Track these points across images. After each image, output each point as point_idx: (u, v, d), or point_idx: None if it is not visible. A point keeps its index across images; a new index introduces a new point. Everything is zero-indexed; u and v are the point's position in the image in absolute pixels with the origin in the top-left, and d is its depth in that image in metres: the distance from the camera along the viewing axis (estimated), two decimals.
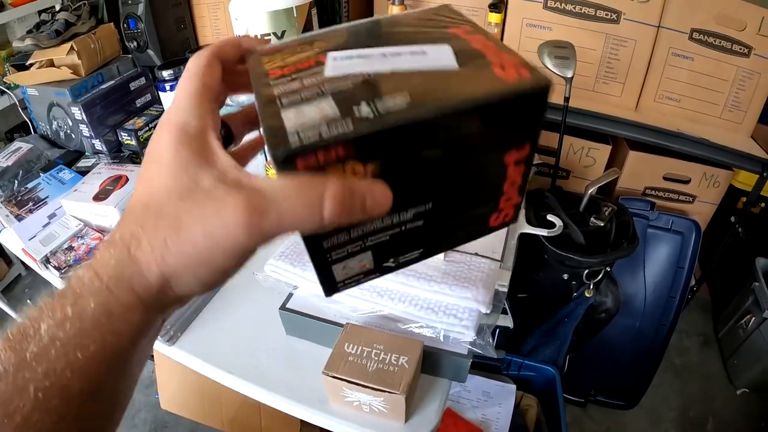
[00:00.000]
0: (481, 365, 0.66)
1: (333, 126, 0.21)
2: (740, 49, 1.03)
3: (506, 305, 0.69)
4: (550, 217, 0.73)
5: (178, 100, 0.25)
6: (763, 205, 1.68)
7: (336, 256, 0.25)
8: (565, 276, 0.82)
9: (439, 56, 0.25)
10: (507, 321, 0.75)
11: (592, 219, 0.80)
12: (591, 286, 0.80)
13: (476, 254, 0.66)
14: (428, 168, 0.24)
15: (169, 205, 0.21)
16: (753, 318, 1.51)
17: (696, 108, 1.11)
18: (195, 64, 0.26)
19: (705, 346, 1.70)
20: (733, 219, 1.59)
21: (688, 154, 1.06)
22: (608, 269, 0.82)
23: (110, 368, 0.22)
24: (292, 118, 0.21)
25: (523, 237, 0.73)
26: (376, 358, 0.59)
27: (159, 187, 0.22)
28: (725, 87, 1.08)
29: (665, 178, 1.17)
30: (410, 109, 0.21)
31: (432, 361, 0.63)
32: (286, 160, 0.20)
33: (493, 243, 0.68)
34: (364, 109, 0.21)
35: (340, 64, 0.25)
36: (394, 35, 0.28)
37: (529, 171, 0.27)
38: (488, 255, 0.66)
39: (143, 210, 0.22)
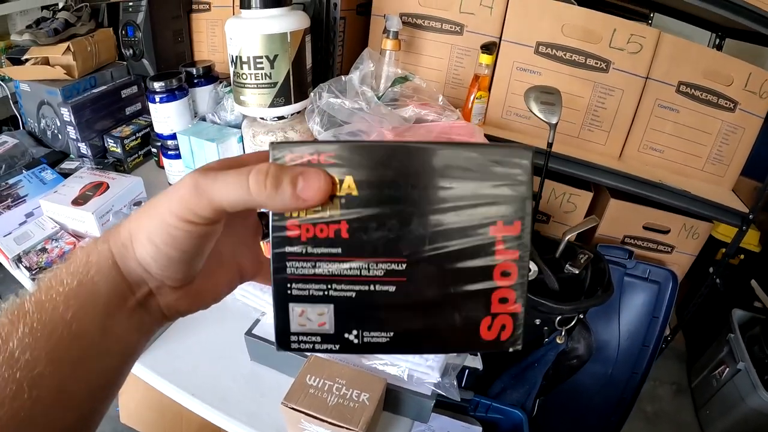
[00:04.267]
0: (448, 404, 0.65)
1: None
2: (726, 103, 1.06)
3: None
4: None
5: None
6: (741, 256, 1.71)
7: (296, 291, 0.25)
8: (537, 321, 0.81)
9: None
10: (476, 362, 0.75)
11: (567, 266, 0.80)
12: (563, 333, 0.80)
13: None
14: (400, 210, 0.24)
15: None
16: (727, 369, 1.52)
17: (679, 160, 1.13)
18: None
19: (678, 395, 1.70)
20: (711, 270, 1.61)
21: (669, 205, 1.08)
22: (581, 316, 0.82)
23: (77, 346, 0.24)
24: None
25: None
26: (337, 393, 0.59)
27: None
28: (709, 140, 1.10)
29: (645, 228, 1.18)
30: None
31: (394, 399, 0.62)
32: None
33: None
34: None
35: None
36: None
37: (526, 269, 0.25)
38: None
39: None
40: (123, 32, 1.22)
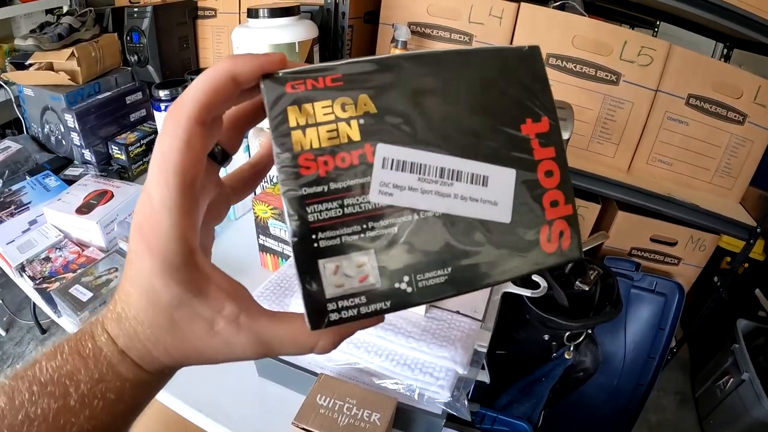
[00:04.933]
0: (453, 417, 0.64)
1: (372, 302, 0.21)
2: (735, 116, 1.05)
3: (484, 361, 0.67)
4: (534, 278, 0.72)
5: (152, 211, 0.20)
6: (746, 265, 1.70)
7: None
8: (546, 336, 0.81)
9: (497, 196, 0.23)
10: (483, 376, 0.74)
11: (577, 283, 0.79)
12: (571, 348, 0.79)
13: (458, 312, 0.65)
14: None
15: (169, 326, 0.22)
16: (731, 379, 1.51)
17: (687, 172, 1.12)
18: (169, 146, 0.20)
19: (682, 405, 1.69)
20: (716, 279, 1.60)
21: (677, 218, 1.07)
22: (590, 331, 0.82)
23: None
24: (329, 274, 0.20)
25: (506, 296, 0.72)
26: (348, 413, 0.58)
27: (147, 302, 0.22)
28: (718, 153, 1.09)
29: (652, 240, 1.18)
30: (445, 287, 0.22)
31: (405, 418, 0.62)
32: (317, 326, 0.21)
33: (476, 301, 0.67)
34: (404, 284, 0.21)
35: (389, 181, 0.21)
36: (460, 105, 0.22)
37: (566, 168, 0.24)
38: (469, 314, 0.65)
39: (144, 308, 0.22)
40: (128, 38, 1.21)
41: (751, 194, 1.17)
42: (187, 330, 0.22)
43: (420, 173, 0.21)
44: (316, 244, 0.20)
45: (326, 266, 0.20)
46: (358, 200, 0.20)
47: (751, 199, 1.15)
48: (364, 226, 0.20)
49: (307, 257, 0.20)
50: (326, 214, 0.20)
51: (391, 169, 0.21)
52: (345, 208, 0.20)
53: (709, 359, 1.69)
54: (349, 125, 0.20)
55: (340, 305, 0.21)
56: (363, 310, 0.21)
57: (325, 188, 0.20)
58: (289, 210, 0.20)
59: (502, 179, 0.23)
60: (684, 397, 1.71)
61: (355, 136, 0.20)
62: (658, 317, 1.17)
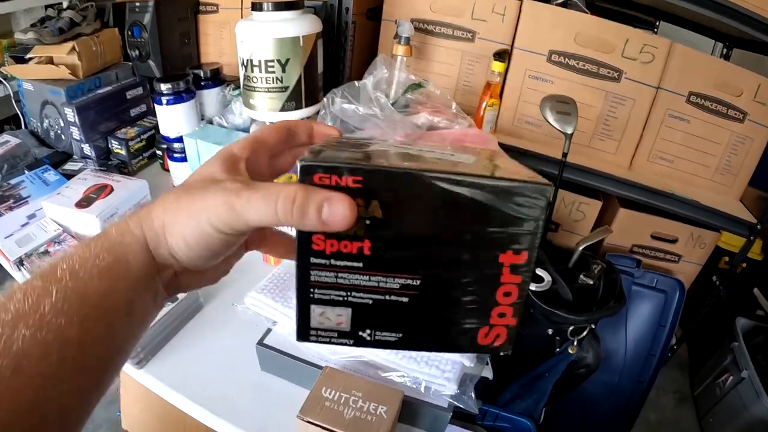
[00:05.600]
0: (456, 413, 0.64)
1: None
2: (735, 114, 1.06)
3: (488, 357, 0.67)
4: (538, 272, 0.72)
5: (243, 138, 0.31)
6: (744, 264, 1.71)
7: (318, 295, 0.27)
8: (550, 331, 0.81)
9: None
10: (487, 372, 0.74)
11: (581, 276, 0.79)
12: (575, 343, 0.79)
13: None
14: (421, 234, 0.26)
15: (193, 184, 0.28)
16: (731, 377, 1.51)
17: (688, 169, 1.13)
18: (269, 126, 0.33)
19: (681, 404, 1.70)
20: (715, 278, 1.61)
21: (677, 214, 1.07)
22: (593, 326, 0.82)
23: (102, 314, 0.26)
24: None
25: None
26: (353, 406, 0.57)
27: (196, 176, 0.29)
28: (718, 150, 1.10)
29: (653, 237, 1.18)
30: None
31: (410, 411, 0.61)
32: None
33: None
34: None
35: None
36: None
37: (525, 290, 0.28)
38: None
39: (177, 188, 0.29)
40: (129, 33, 1.21)
41: (749, 194, 1.17)
42: (203, 185, 0.28)
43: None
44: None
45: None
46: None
47: (749, 200, 1.16)
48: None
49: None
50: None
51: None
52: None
53: (708, 358, 1.70)
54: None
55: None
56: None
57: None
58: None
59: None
60: (683, 396, 1.72)
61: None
62: (658, 314, 1.17)
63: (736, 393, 1.47)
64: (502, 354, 0.29)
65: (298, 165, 0.25)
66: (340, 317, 0.28)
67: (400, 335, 0.28)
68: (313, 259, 0.26)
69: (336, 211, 0.24)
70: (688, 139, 1.10)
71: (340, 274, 0.27)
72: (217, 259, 0.29)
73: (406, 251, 0.27)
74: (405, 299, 0.28)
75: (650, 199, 1.04)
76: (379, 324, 0.28)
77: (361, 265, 0.27)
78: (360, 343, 0.29)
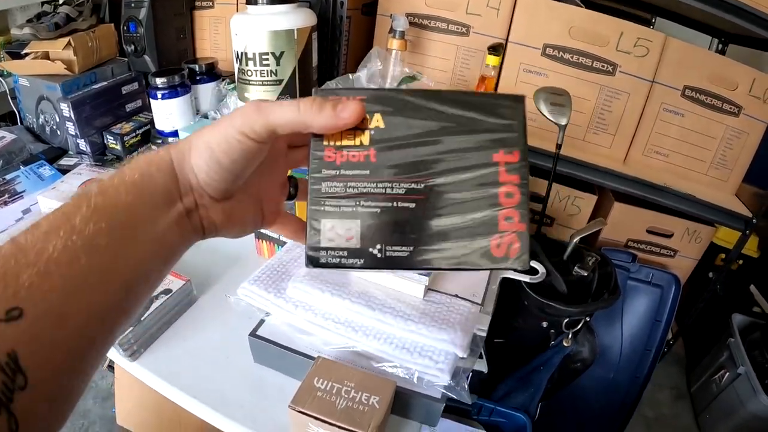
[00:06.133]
0: (451, 408, 0.64)
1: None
2: (730, 108, 1.06)
3: (482, 350, 0.67)
4: (533, 264, 0.72)
5: (268, 103, 0.31)
6: (740, 261, 1.71)
7: (329, 207, 0.29)
8: (544, 324, 0.81)
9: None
10: (481, 365, 0.74)
11: (575, 268, 0.79)
12: (570, 336, 0.79)
13: (456, 296, 0.65)
14: (419, 140, 0.29)
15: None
16: (727, 373, 1.51)
17: (683, 164, 1.12)
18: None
19: (677, 400, 1.70)
20: (711, 275, 1.61)
21: (673, 208, 1.07)
22: (587, 319, 0.82)
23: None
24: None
25: (505, 282, 0.72)
26: (346, 396, 0.57)
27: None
28: (713, 145, 1.10)
29: (648, 231, 1.18)
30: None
31: (403, 402, 0.61)
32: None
33: (475, 286, 0.67)
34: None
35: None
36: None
37: (526, 193, 0.29)
38: (468, 298, 0.65)
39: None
40: (125, 28, 1.20)
41: (745, 191, 1.17)
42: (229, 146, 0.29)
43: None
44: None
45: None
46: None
47: (745, 196, 1.16)
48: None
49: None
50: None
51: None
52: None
53: (704, 355, 1.70)
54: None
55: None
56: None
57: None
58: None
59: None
60: (680, 392, 1.72)
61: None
62: (654, 309, 1.17)
63: (732, 389, 1.47)
64: (519, 268, 0.29)
65: (314, 92, 0.29)
66: (349, 231, 0.29)
67: (411, 248, 0.29)
68: (324, 171, 0.29)
69: (347, 106, 0.28)
70: (683, 133, 1.10)
71: (349, 184, 0.29)
72: (235, 177, 0.30)
73: (408, 156, 0.29)
74: (412, 204, 0.29)
75: (646, 193, 1.04)
76: (388, 237, 0.29)
77: (368, 172, 0.29)
78: (371, 262, 0.29)
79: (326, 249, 0.29)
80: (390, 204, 0.28)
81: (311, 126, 0.28)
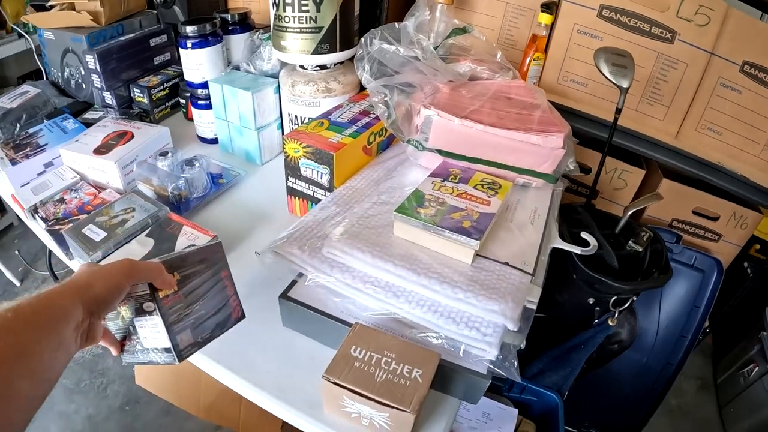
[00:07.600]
0: None
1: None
2: None
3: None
4: (584, 235, 0.67)
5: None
6: None
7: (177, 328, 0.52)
8: (591, 300, 0.76)
9: None
10: (518, 339, 0.70)
11: (630, 243, 0.74)
12: (616, 314, 0.75)
13: (507, 264, 0.60)
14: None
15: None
16: (756, 368, 1.46)
17: (736, 143, 1.05)
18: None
19: (702, 390, 1.66)
20: (746, 265, 1.55)
21: (723, 189, 1.01)
22: (634, 298, 0.77)
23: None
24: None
25: (552, 254, 0.67)
26: (386, 368, 0.52)
27: None
28: None
29: (694, 213, 1.12)
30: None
31: (445, 377, 0.56)
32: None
33: (525, 253, 0.62)
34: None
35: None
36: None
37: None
38: (519, 266, 0.60)
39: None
40: None
41: None
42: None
43: None
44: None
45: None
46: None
47: None
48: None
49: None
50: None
51: None
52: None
53: (733, 346, 1.65)
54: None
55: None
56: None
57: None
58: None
59: None
60: (705, 383, 1.68)
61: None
62: (693, 294, 1.12)
63: (760, 384, 1.42)
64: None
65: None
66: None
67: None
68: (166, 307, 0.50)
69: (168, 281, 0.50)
70: (738, 111, 1.02)
71: (178, 308, 0.51)
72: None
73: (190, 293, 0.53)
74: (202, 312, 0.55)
75: (698, 170, 0.98)
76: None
77: (182, 304, 0.52)
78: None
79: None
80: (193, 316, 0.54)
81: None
